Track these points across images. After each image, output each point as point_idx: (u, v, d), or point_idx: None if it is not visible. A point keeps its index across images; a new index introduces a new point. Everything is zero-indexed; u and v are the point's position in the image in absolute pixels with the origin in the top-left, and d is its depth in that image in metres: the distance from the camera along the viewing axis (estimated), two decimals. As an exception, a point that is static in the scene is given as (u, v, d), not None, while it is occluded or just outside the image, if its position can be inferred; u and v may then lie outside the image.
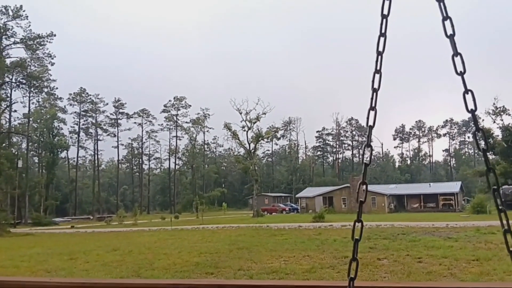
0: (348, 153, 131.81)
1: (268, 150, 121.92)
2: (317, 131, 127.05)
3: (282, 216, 60.07)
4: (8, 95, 66.25)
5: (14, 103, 67.88)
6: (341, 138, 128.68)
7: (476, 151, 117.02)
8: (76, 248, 21.76)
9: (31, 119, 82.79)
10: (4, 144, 58.38)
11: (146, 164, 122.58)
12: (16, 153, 74.65)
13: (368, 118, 1.65)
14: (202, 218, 52.52)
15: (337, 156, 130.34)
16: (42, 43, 61.34)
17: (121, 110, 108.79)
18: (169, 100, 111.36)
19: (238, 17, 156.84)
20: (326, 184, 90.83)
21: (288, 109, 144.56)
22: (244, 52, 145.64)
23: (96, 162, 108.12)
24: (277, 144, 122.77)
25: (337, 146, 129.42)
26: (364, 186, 1.72)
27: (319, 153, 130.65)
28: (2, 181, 52.45)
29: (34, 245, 25.23)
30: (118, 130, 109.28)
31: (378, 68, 1.69)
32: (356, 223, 1.68)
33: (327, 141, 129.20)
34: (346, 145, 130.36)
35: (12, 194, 65.17)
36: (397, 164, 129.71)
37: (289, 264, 13.70)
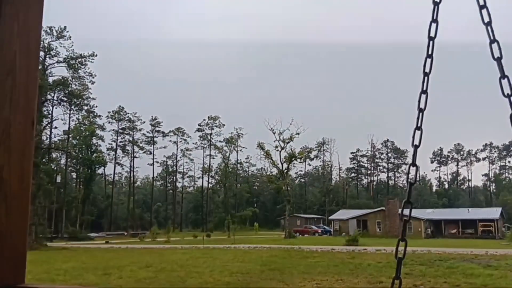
0: (383, 176, 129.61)
1: (301, 171, 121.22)
2: (351, 153, 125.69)
3: (315, 238, 59.32)
4: (50, 112, 68.50)
5: (55, 120, 70.17)
6: (376, 160, 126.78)
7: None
8: (110, 263, 22.06)
9: (70, 135, 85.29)
10: (44, 160, 60.21)
11: (179, 182, 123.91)
12: (55, 168, 76.84)
13: (413, 137, 1.64)
14: (233, 237, 52.42)
15: (372, 179, 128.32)
16: (83, 62, 63.35)
17: (157, 129, 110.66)
18: (204, 119, 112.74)
19: (273, 39, 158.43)
20: (360, 206, 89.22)
21: (322, 129, 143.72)
22: (278, 73, 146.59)
23: (132, 179, 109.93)
24: (310, 165, 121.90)
25: (372, 169, 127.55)
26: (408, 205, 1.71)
27: (353, 175, 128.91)
28: (41, 196, 53.96)
29: (70, 260, 25.72)
30: (154, 148, 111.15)
31: (424, 88, 1.68)
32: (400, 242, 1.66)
33: (361, 163, 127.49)
34: (381, 167, 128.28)
35: (50, 208, 66.94)
36: (434, 188, 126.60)
37: None
